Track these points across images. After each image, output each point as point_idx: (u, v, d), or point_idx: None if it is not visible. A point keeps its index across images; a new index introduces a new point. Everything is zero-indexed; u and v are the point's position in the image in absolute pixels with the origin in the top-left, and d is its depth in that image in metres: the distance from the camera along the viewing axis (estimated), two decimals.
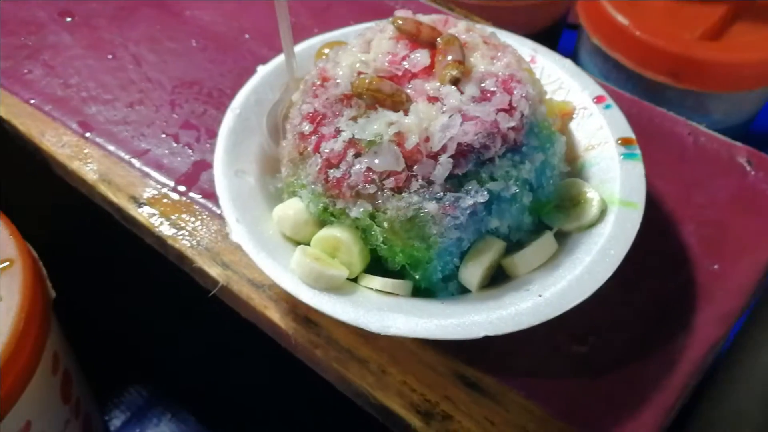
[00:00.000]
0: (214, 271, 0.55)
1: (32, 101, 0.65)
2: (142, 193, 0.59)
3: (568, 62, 0.58)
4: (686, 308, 0.53)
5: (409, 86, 0.46)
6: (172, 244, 0.57)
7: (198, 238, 0.56)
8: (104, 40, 0.70)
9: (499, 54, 0.48)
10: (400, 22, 0.48)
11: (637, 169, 0.52)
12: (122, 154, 0.62)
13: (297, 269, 0.46)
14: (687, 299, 0.54)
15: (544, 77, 0.57)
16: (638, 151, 0.53)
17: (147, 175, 0.60)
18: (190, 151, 0.62)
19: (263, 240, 0.48)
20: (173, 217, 0.58)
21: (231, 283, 0.54)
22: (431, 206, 0.43)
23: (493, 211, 0.46)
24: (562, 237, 0.50)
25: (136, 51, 0.69)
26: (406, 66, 0.47)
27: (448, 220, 0.44)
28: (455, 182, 0.44)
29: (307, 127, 0.47)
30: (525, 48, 0.58)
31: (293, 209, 0.49)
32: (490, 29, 0.53)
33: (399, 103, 0.45)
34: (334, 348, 0.51)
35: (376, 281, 0.47)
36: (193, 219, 0.58)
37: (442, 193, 0.44)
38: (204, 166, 0.61)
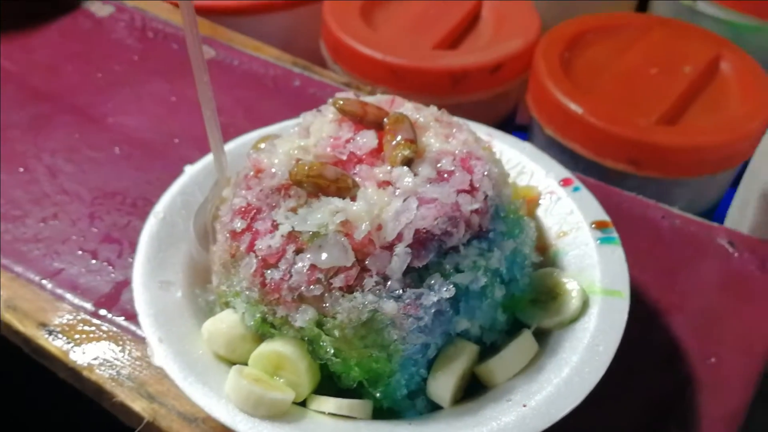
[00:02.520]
0: (138, 405, 0.46)
1: None
2: (54, 318, 0.51)
3: (527, 145, 0.54)
4: (687, 408, 0.46)
5: (355, 171, 0.40)
6: (88, 376, 0.48)
7: (118, 368, 0.48)
8: (16, 153, 0.63)
9: (454, 131, 0.43)
10: (342, 102, 0.43)
11: (617, 253, 0.46)
12: (31, 276, 0.54)
13: (232, 395, 0.38)
14: (686, 398, 0.47)
15: (503, 161, 0.52)
16: (615, 234, 0.47)
17: (60, 297, 0.52)
18: (111, 268, 0.54)
19: (192, 362, 0.40)
20: (90, 345, 0.50)
21: (158, 418, 0.46)
22: (389, 306, 0.36)
23: (462, 309, 0.39)
24: (541, 335, 0.43)
25: (51, 162, 0.62)
26: (351, 149, 0.41)
27: (410, 322, 0.37)
28: (415, 276, 0.37)
29: (239, 224, 0.40)
30: (479, 131, 0.53)
31: (226, 323, 0.41)
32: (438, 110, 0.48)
33: (345, 190, 0.38)
34: None
35: (329, 403, 0.39)
36: (113, 345, 0.49)
37: (400, 290, 0.37)
38: (127, 284, 0.53)
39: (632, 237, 0.57)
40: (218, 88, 0.69)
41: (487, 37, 0.92)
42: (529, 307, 0.43)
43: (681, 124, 0.80)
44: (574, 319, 0.43)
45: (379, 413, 0.40)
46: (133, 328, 0.50)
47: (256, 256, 0.39)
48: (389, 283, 0.37)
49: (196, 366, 0.40)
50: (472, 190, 0.39)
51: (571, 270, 0.46)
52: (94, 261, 0.55)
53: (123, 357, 0.49)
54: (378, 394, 0.39)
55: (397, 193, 0.38)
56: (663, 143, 0.76)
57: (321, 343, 0.38)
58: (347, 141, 0.41)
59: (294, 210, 0.39)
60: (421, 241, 0.37)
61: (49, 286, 0.53)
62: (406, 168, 0.39)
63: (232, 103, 0.68)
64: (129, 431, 0.48)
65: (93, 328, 0.50)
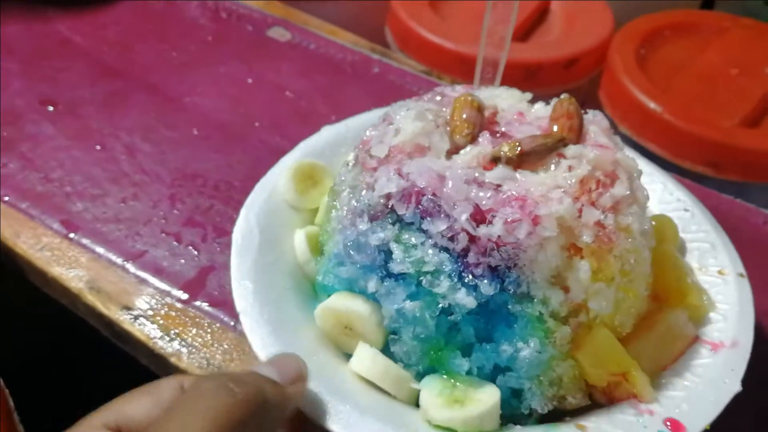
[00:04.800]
0: None
1: (6, 198, 0.55)
2: (138, 302, 0.49)
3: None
4: None
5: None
6: (176, 364, 0.46)
7: (207, 356, 0.46)
8: (92, 130, 0.61)
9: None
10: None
11: None
12: (113, 258, 0.52)
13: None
14: None
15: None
16: None
17: (144, 281, 0.50)
18: (196, 252, 0.52)
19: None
20: (176, 331, 0.47)
21: None
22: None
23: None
24: None
25: (128, 141, 0.60)
26: None
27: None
28: None
29: None
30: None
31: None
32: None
33: None
34: None
35: None
36: (201, 333, 0.47)
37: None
38: (213, 269, 0.51)
39: (733, 241, 0.54)
40: (296, 72, 0.68)
41: (559, 30, 0.89)
42: None
43: (763, 126, 0.77)
44: None
45: None
46: (221, 315, 0.48)
47: None
48: None
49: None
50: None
51: None
52: (177, 244, 0.53)
53: (212, 345, 0.47)
54: None
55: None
56: (745, 146, 0.73)
57: None
58: None
59: None
60: None
61: (132, 268, 0.51)
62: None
63: (311, 87, 0.66)
64: None
65: (179, 314, 0.48)
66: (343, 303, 0.40)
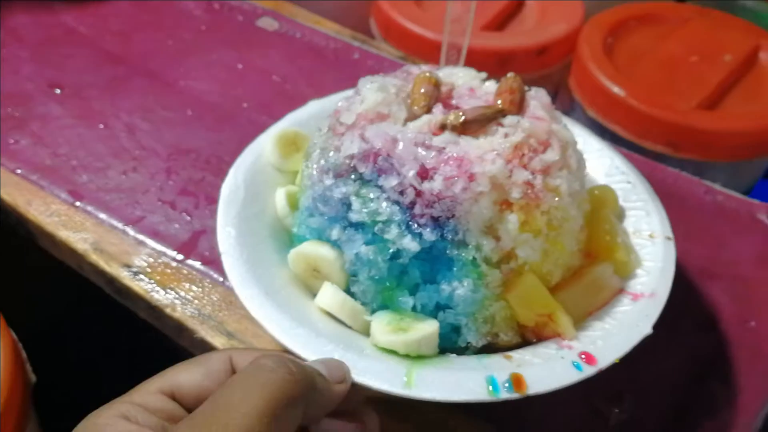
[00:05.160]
0: (218, 341, 0.50)
1: (18, 171, 0.61)
2: (137, 261, 0.55)
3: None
4: (729, 366, 0.50)
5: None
6: (171, 314, 0.52)
7: (199, 307, 0.52)
8: (95, 111, 0.67)
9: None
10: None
11: None
12: (115, 222, 0.58)
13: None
14: (728, 357, 0.50)
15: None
16: None
17: (142, 243, 0.56)
18: (189, 217, 0.58)
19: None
20: (171, 286, 0.53)
21: None
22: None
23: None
24: None
25: (128, 120, 0.66)
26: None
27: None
28: None
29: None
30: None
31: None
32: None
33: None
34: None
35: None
36: (194, 287, 0.53)
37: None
38: (204, 232, 0.57)
39: (676, 210, 0.60)
40: (283, 59, 0.74)
41: (533, 21, 0.95)
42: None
43: (719, 109, 0.83)
44: None
45: None
46: (211, 272, 0.54)
47: None
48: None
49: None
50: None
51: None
52: (172, 211, 0.59)
53: (203, 297, 0.53)
54: None
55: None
56: (701, 127, 0.79)
57: None
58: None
59: None
60: None
61: (132, 232, 0.57)
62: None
63: (296, 72, 0.72)
64: None
65: (173, 271, 0.54)
66: (312, 248, 0.46)
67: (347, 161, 0.45)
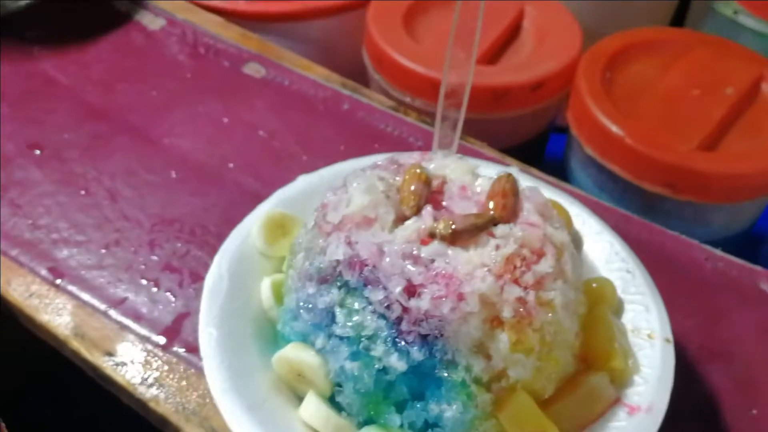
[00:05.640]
0: None
1: None
2: (120, 348, 0.53)
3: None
4: None
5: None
6: (155, 408, 0.51)
7: (183, 401, 0.51)
8: (76, 174, 0.65)
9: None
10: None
11: None
12: (97, 304, 0.56)
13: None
14: None
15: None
16: None
17: (125, 327, 0.55)
18: (173, 298, 0.56)
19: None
20: (155, 377, 0.52)
21: None
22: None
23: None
24: None
25: (111, 185, 0.64)
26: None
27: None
28: None
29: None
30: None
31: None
32: None
33: None
34: None
35: None
36: (177, 378, 0.52)
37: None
38: (188, 315, 0.55)
39: (675, 280, 0.59)
40: (270, 110, 0.72)
41: (528, 50, 0.92)
42: None
43: (720, 149, 0.80)
44: None
45: None
46: (195, 360, 0.53)
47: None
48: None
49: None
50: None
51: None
52: (156, 290, 0.57)
53: (187, 390, 0.51)
54: None
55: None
56: (701, 169, 0.77)
57: None
58: None
59: None
60: None
61: (115, 315, 0.55)
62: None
63: (284, 127, 0.70)
64: None
65: (157, 360, 0.53)
66: (296, 354, 0.45)
67: (332, 265, 0.43)
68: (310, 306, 0.44)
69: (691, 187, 0.78)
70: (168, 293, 0.57)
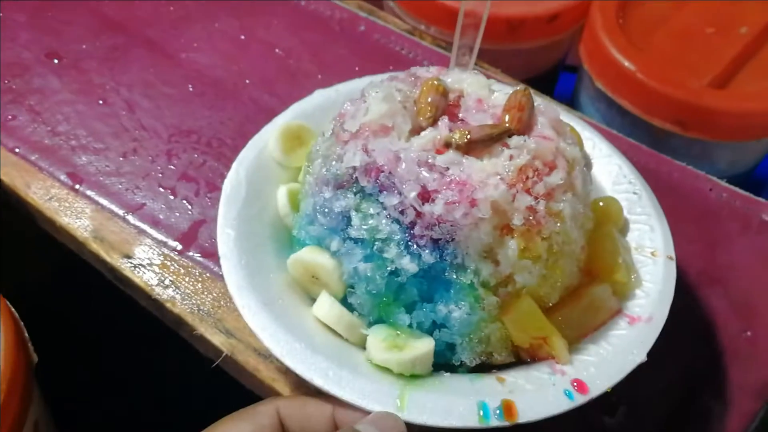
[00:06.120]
0: (217, 339, 0.51)
1: (17, 150, 0.60)
2: (138, 251, 0.55)
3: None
4: (721, 379, 0.50)
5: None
6: (171, 309, 0.52)
7: (198, 303, 0.52)
8: (94, 84, 0.66)
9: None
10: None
11: None
12: (115, 209, 0.57)
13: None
14: (721, 369, 0.51)
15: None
16: None
17: (143, 232, 0.56)
18: (189, 206, 0.58)
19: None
20: (171, 279, 0.54)
21: (236, 352, 0.50)
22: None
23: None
24: None
25: (128, 96, 0.65)
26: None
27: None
28: None
29: None
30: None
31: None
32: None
33: None
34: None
35: None
36: (193, 281, 0.54)
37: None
38: (204, 222, 0.57)
39: (680, 207, 0.60)
40: (286, 30, 0.72)
41: None
42: None
43: (731, 87, 0.81)
44: None
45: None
46: (211, 265, 0.54)
47: None
48: None
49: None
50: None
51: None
52: (173, 198, 0.58)
53: (203, 293, 0.53)
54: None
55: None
56: (710, 106, 0.77)
57: None
58: None
59: None
60: None
61: (133, 220, 0.57)
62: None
63: (299, 46, 0.70)
64: (203, 360, 0.52)
65: (174, 264, 0.54)
66: (310, 256, 0.46)
67: (349, 172, 0.44)
68: (326, 210, 0.45)
69: (699, 124, 0.79)
70: (184, 201, 0.58)
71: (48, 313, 0.65)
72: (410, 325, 0.44)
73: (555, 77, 1.00)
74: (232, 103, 0.65)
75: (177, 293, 0.53)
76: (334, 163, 0.45)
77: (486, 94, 0.47)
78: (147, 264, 0.54)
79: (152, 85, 0.66)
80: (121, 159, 0.60)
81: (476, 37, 0.53)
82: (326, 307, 0.45)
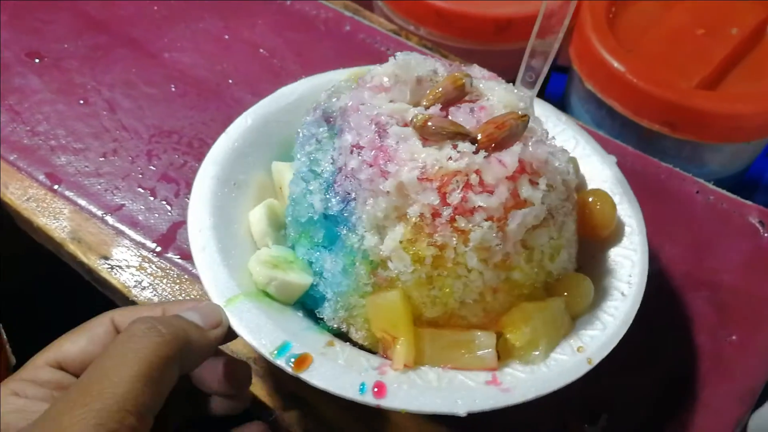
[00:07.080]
0: None
1: None
2: (116, 253, 0.54)
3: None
4: (704, 384, 0.50)
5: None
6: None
7: None
8: (75, 84, 0.65)
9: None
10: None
11: None
12: (94, 210, 0.57)
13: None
14: (704, 374, 0.50)
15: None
16: None
17: (121, 233, 0.55)
18: (169, 207, 0.57)
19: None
20: (149, 281, 0.53)
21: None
22: None
23: None
24: None
25: (110, 96, 0.64)
26: None
27: None
28: None
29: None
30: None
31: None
32: None
33: None
34: (323, 428, 0.46)
35: None
36: (171, 283, 0.53)
37: None
38: (183, 224, 0.56)
39: (667, 209, 0.59)
40: (270, 29, 0.71)
41: None
42: None
43: (721, 89, 0.80)
44: None
45: None
46: (189, 267, 0.54)
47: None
48: None
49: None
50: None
51: None
52: (152, 199, 0.58)
53: (180, 295, 0.52)
54: None
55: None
56: (700, 108, 0.77)
57: None
58: None
59: None
60: None
61: (111, 221, 0.56)
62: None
63: (284, 46, 0.69)
64: None
65: (152, 266, 0.54)
66: (286, 165, 0.50)
67: (338, 112, 0.47)
68: (305, 130, 0.48)
69: (689, 125, 0.78)
70: (164, 202, 0.57)
71: (26, 315, 0.64)
72: (301, 258, 0.46)
73: (545, 78, 0.99)
74: (214, 104, 0.64)
75: (155, 295, 0.52)
76: (330, 101, 0.48)
77: (499, 109, 0.45)
78: (125, 265, 0.54)
79: (134, 85, 0.65)
80: (100, 159, 0.60)
81: (554, 42, 0.51)
82: (257, 214, 0.48)
